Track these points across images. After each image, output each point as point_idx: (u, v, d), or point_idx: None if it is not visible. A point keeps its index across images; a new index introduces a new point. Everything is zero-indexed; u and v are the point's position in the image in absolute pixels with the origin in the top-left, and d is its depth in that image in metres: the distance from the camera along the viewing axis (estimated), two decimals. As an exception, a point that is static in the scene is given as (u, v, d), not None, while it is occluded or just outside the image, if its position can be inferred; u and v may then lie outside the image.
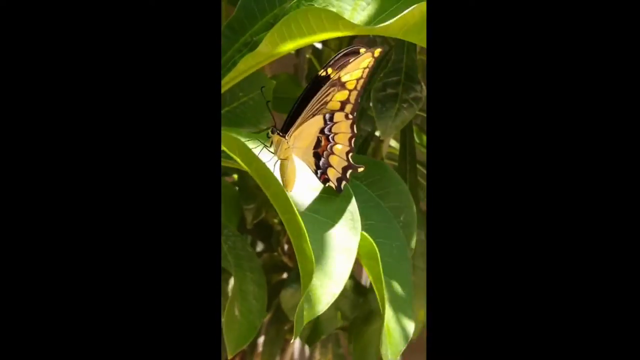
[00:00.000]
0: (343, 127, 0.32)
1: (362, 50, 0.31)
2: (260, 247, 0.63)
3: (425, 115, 0.58)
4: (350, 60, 0.31)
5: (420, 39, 0.29)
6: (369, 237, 0.30)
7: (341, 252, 0.29)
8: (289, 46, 0.31)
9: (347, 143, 0.32)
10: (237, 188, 0.58)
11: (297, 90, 0.60)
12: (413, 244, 0.38)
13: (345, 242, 0.29)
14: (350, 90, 0.32)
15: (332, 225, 0.30)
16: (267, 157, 0.32)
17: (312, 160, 0.33)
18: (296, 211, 0.27)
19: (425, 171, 0.56)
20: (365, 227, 0.31)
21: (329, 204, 0.31)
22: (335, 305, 0.55)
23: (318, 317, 0.30)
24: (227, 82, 0.33)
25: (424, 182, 0.57)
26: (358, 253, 0.30)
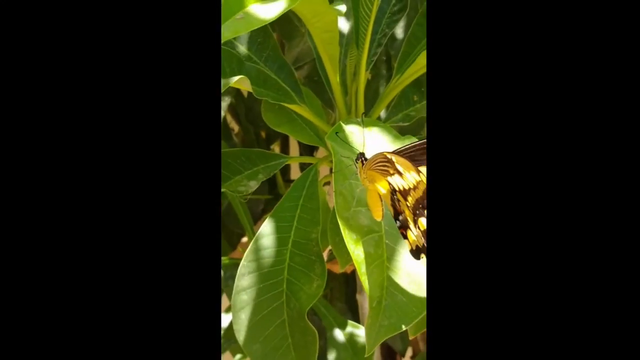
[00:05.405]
0: (407, 213, 0.31)
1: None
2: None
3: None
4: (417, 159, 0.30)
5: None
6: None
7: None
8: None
9: (415, 225, 0.31)
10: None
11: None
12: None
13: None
14: (411, 187, 0.30)
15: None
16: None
17: (391, 208, 0.32)
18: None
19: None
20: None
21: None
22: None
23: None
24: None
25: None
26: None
